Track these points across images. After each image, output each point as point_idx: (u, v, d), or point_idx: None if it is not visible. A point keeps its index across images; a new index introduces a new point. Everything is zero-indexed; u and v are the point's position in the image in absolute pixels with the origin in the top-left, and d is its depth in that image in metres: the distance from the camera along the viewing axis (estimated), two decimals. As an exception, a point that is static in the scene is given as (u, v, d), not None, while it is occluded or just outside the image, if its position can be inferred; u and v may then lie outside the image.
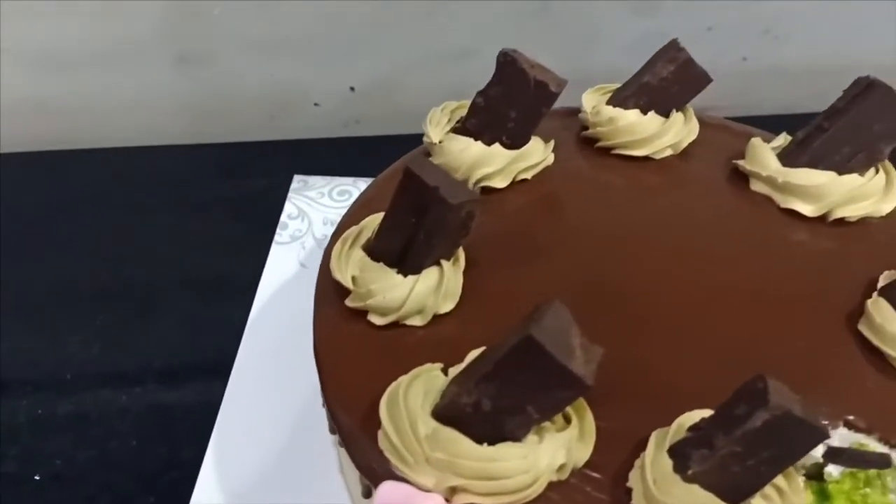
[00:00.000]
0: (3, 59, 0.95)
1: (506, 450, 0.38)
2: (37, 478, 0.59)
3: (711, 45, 1.07)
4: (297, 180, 0.75)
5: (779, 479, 0.37)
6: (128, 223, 0.79)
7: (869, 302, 0.46)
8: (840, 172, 0.52)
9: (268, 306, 0.63)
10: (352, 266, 0.46)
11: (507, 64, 0.51)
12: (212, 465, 0.54)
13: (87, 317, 0.69)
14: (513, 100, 0.52)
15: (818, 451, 0.42)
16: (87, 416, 0.63)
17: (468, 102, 0.54)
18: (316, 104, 1.02)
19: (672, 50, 0.56)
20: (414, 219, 0.44)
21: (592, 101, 0.58)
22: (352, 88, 1.01)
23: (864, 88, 0.52)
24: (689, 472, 0.37)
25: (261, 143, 0.96)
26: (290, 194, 0.73)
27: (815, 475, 0.43)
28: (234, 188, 0.83)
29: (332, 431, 0.45)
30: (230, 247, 0.73)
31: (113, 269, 0.76)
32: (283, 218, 0.70)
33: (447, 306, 0.46)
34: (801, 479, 0.42)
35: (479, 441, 0.38)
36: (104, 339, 0.68)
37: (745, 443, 0.36)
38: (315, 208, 0.71)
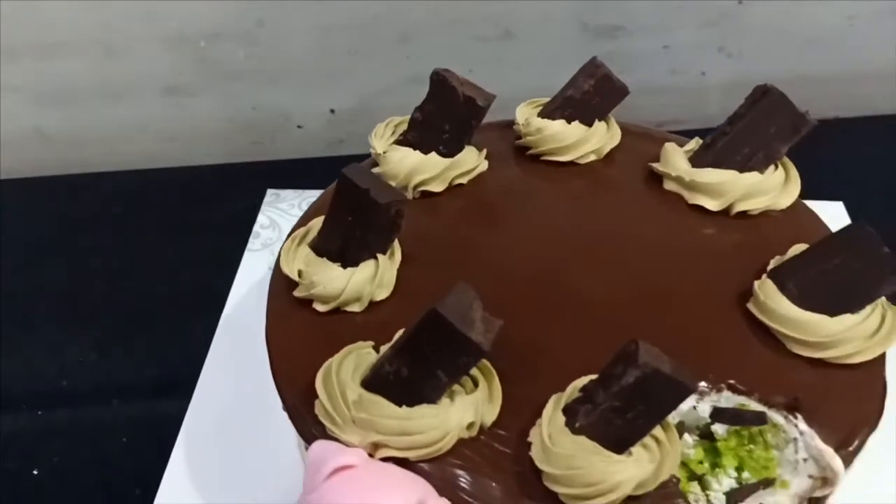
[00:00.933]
0: (12, 95, 1.04)
1: (420, 410, 0.43)
2: (35, 472, 0.65)
3: (670, 62, 1.14)
4: (270, 194, 0.82)
5: (657, 431, 0.43)
6: (124, 241, 0.86)
7: (757, 283, 0.51)
8: (741, 171, 0.58)
9: (239, 307, 0.69)
10: (298, 261, 0.53)
11: (440, 82, 0.58)
12: (182, 460, 0.59)
13: (83, 328, 0.76)
14: (446, 114, 0.58)
15: (706, 412, 0.48)
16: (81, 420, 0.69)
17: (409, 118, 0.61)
18: (299, 126, 1.09)
19: (591, 66, 0.62)
20: (350, 218, 0.51)
21: (525, 114, 0.64)
22: (332, 111, 1.08)
23: (761, 95, 0.58)
24: (577, 425, 0.42)
25: (248, 163, 1.03)
26: (263, 206, 0.80)
27: (706, 435, 0.48)
28: (222, 207, 0.90)
29: (284, 409, 0.51)
30: (216, 259, 0.79)
31: (108, 284, 0.83)
32: (255, 228, 0.77)
33: (382, 294, 0.52)
34: (691, 438, 0.48)
35: (399, 404, 0.44)
36: (100, 349, 0.74)
37: (622, 398, 0.41)
38: (285, 218, 0.78)
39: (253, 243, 0.75)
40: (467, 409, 0.44)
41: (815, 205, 0.65)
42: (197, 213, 0.88)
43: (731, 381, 0.48)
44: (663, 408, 0.42)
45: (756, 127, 0.57)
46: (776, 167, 0.59)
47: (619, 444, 0.42)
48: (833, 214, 0.77)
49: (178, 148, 1.08)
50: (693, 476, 0.47)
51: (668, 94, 1.18)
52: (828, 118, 1.19)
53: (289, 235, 0.56)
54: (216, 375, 0.64)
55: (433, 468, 0.43)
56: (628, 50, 1.10)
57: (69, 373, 0.73)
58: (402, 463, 0.43)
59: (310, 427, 0.46)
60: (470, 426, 0.44)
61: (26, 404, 0.71)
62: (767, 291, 0.50)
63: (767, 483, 0.47)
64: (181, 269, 0.80)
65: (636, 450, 0.42)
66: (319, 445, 0.43)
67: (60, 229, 0.92)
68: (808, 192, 0.62)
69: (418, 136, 0.59)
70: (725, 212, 0.58)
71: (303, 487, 0.43)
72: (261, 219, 0.78)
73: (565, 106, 0.63)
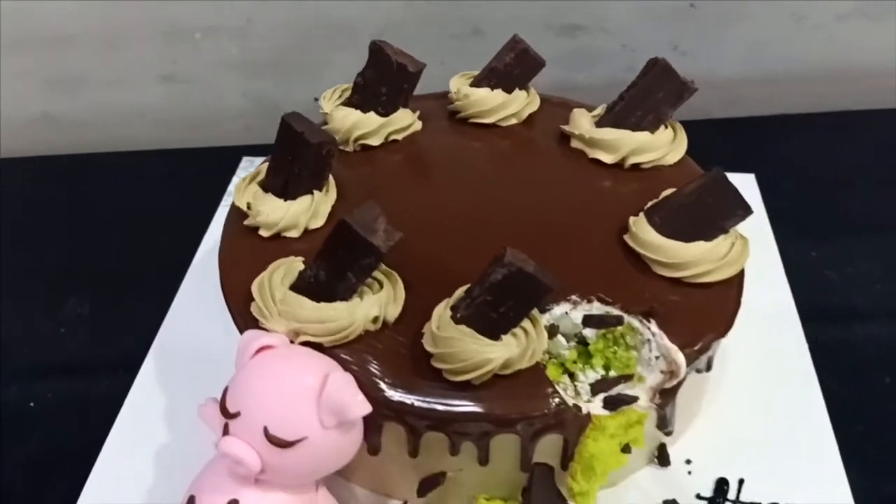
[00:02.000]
0: (23, 80, 1.15)
1: (334, 305, 0.53)
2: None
3: (627, 59, 1.23)
4: (245, 160, 0.92)
5: (526, 324, 0.52)
6: (122, 214, 0.97)
7: (632, 218, 0.61)
8: (633, 130, 0.67)
9: (206, 256, 0.79)
10: (248, 195, 0.62)
11: (377, 51, 0.68)
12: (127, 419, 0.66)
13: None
14: (383, 79, 0.68)
15: (578, 319, 0.57)
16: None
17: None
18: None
19: (512, 42, 0.72)
20: (290, 157, 0.60)
21: (457, 84, 0.74)
22: (315, 99, 1.19)
23: (652, 66, 0.67)
24: (458, 316, 0.51)
25: (239, 147, 1.13)
26: (238, 170, 0.90)
27: (581, 341, 0.57)
28: (214, 184, 0.99)
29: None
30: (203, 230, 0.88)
31: (106, 251, 0.93)
32: (229, 188, 0.87)
33: (317, 223, 0.62)
34: (567, 342, 0.57)
35: (317, 301, 0.53)
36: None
37: (492, 293, 0.50)
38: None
39: (226, 201, 0.85)
40: (373, 305, 0.53)
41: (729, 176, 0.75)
42: (188, 191, 0.95)
43: (601, 294, 0.57)
44: (528, 302, 0.51)
45: (647, 93, 0.67)
46: (666, 128, 0.68)
47: (493, 332, 0.51)
48: (743, 183, 0.86)
49: (173, 132, 1.19)
50: (566, 371, 0.56)
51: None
52: (776, 114, 1.29)
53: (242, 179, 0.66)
54: (182, 316, 0.74)
55: (342, 352, 0.53)
56: (589, 48, 1.19)
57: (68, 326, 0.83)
58: (317, 348, 0.53)
59: (247, 326, 0.55)
60: (375, 320, 0.54)
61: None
62: (639, 224, 0.60)
63: (627, 378, 0.55)
64: (168, 238, 0.89)
65: (506, 337, 0.51)
66: (249, 333, 0.53)
67: (62, 205, 1.03)
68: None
69: (360, 98, 0.69)
70: (620, 165, 0.68)
71: (234, 369, 0.53)
72: (235, 180, 0.88)
73: (490, 76, 0.72)
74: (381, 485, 0.58)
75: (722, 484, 0.59)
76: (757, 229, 0.71)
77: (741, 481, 0.59)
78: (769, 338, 0.69)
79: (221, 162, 0.98)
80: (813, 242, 0.91)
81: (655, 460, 0.60)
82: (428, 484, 0.55)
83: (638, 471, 0.60)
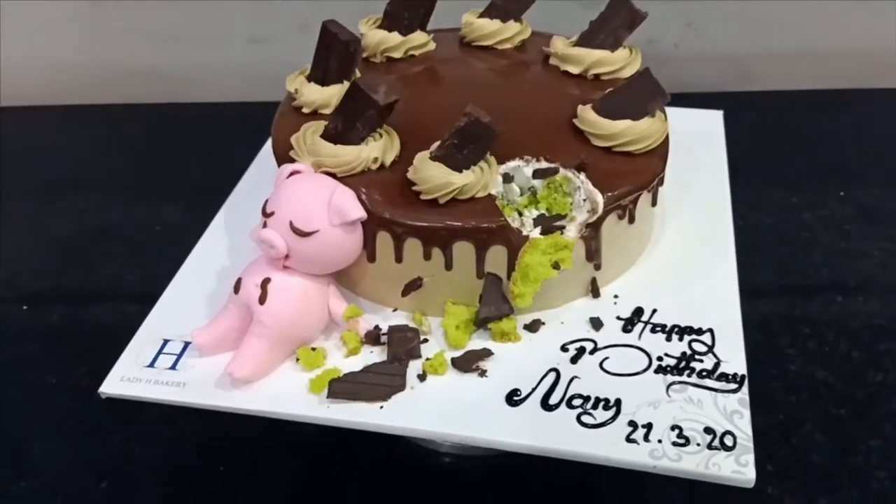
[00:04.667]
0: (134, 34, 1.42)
1: (346, 147, 0.73)
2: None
3: (646, 34, 1.41)
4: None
5: (482, 164, 0.71)
6: (201, 151, 1.23)
7: (580, 106, 0.79)
8: (594, 48, 0.85)
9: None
10: (295, 83, 0.83)
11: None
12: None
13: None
14: (405, 6, 0.89)
15: (529, 172, 0.75)
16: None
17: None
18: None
19: (508, -18, 0.92)
20: (325, 53, 0.81)
21: (467, 17, 0.94)
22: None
23: (615, 2, 0.85)
24: (433, 155, 0.71)
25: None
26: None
27: (533, 193, 0.76)
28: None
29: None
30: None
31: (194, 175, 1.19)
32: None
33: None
34: (519, 190, 0.75)
35: (335, 144, 0.74)
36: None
37: (458, 137, 0.69)
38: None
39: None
40: (374, 149, 0.73)
41: (696, 112, 0.96)
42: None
43: (547, 156, 0.75)
44: (483, 146, 0.70)
45: (608, 20, 0.85)
46: (624, 48, 0.86)
47: (457, 167, 0.70)
48: (711, 117, 1.03)
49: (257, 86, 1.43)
50: (517, 212, 0.75)
51: (648, 61, 1.47)
52: (780, 90, 1.43)
53: (296, 78, 0.87)
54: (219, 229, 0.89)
55: (349, 180, 0.73)
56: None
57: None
58: (332, 176, 0.73)
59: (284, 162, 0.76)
60: (375, 161, 0.74)
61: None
62: (584, 109, 0.78)
63: (562, 217, 0.73)
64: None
65: (466, 171, 0.71)
66: (285, 165, 0.74)
67: (155, 139, 1.31)
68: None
69: (387, 22, 0.90)
70: (585, 77, 0.86)
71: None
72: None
73: (491, 10, 0.92)
74: (377, 294, 0.77)
75: (639, 311, 0.76)
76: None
77: (654, 310, 0.76)
78: (701, 218, 0.86)
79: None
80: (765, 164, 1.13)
81: (590, 293, 0.78)
82: (410, 286, 0.74)
83: (574, 300, 0.77)
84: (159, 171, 1.29)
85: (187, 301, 0.79)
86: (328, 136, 0.74)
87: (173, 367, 0.73)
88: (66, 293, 1.08)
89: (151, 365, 0.73)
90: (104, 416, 0.89)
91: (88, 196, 1.24)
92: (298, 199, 0.70)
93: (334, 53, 0.80)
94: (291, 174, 0.72)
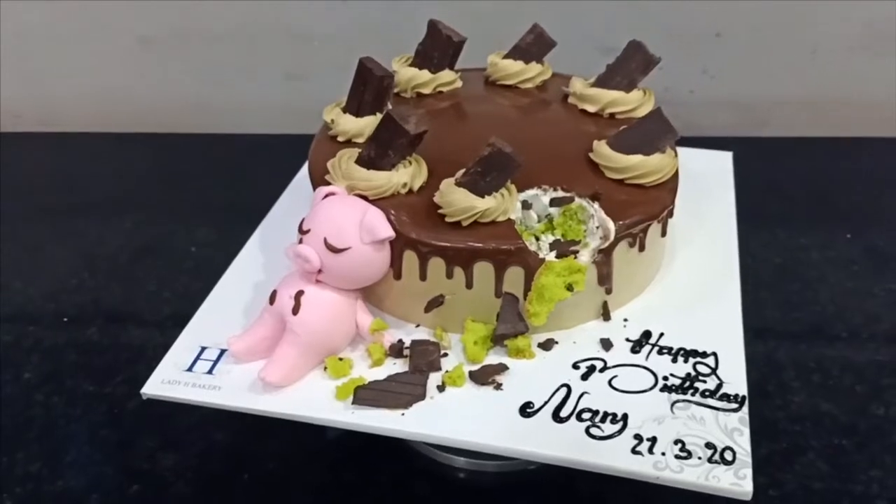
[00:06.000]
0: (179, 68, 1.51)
1: (378, 173, 0.79)
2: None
3: (662, 81, 1.48)
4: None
5: (503, 191, 0.77)
6: (239, 176, 1.31)
7: (595, 141, 0.84)
8: (611, 89, 0.91)
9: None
10: (332, 114, 0.90)
11: (432, 26, 0.95)
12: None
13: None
14: (435, 46, 0.95)
15: (547, 201, 0.80)
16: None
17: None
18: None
19: (532, 28, 0.98)
20: (362, 88, 0.87)
21: (492, 59, 1.01)
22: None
23: (630, 48, 0.92)
24: (458, 182, 0.77)
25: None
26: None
27: (549, 220, 0.81)
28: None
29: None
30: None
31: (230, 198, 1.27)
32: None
33: (377, 134, 0.89)
34: (538, 217, 0.81)
35: (368, 169, 0.79)
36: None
37: (482, 165, 0.75)
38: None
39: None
40: (404, 175, 0.79)
41: (707, 152, 1.03)
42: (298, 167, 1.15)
43: (563, 186, 0.81)
44: (505, 174, 0.76)
45: (623, 63, 0.91)
46: (638, 90, 0.92)
47: (480, 192, 0.76)
48: (721, 157, 1.08)
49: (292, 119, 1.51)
50: (535, 237, 0.80)
51: (664, 106, 1.54)
52: (793, 136, 1.49)
53: (332, 110, 0.94)
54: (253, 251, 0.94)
55: (380, 203, 0.78)
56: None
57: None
58: (364, 199, 0.79)
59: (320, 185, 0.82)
60: (404, 185, 0.79)
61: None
62: (599, 144, 0.84)
63: (575, 242, 0.78)
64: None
65: (488, 197, 0.76)
66: (321, 188, 0.80)
67: (196, 166, 1.39)
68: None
69: (418, 61, 0.97)
70: (601, 115, 0.92)
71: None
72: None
73: (515, 52, 0.99)
74: (401, 310, 0.82)
75: (647, 334, 0.80)
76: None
77: (661, 334, 0.80)
78: (709, 251, 0.91)
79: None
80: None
81: (601, 316, 0.82)
82: (432, 303, 0.79)
83: (586, 322, 0.82)
84: (198, 196, 1.37)
85: (223, 312, 0.85)
86: (362, 162, 0.80)
87: (210, 372, 0.78)
88: (104, 308, 1.14)
89: (190, 369, 0.78)
90: (137, 423, 0.95)
91: (131, 217, 1.32)
92: (333, 218, 0.76)
93: (369, 87, 0.87)
94: (327, 196, 0.78)
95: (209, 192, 1.38)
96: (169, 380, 0.77)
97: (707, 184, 1.00)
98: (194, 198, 1.37)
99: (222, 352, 0.79)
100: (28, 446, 0.93)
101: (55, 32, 1.51)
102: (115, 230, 1.29)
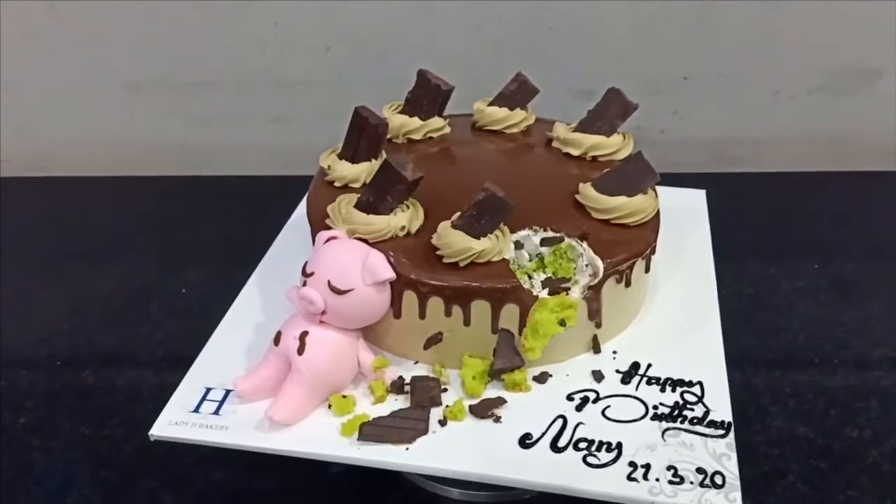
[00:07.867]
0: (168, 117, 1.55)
1: (377, 217, 0.83)
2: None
3: (635, 121, 1.54)
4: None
5: (497, 232, 0.81)
6: (230, 218, 1.34)
7: (581, 184, 0.89)
8: (592, 133, 0.97)
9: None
10: (328, 161, 0.94)
11: (421, 75, 1.00)
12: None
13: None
14: (424, 95, 1.00)
15: (538, 241, 0.85)
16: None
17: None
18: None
19: (516, 76, 1.03)
20: (356, 134, 0.92)
21: (478, 105, 1.06)
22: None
23: (608, 92, 0.97)
24: (454, 224, 0.81)
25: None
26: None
27: (540, 259, 0.85)
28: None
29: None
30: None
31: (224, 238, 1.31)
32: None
33: (372, 179, 0.93)
34: (529, 256, 0.85)
35: (367, 214, 0.83)
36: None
37: (476, 208, 0.79)
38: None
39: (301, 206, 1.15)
40: (402, 219, 0.83)
41: (682, 191, 1.07)
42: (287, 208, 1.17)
43: (553, 227, 0.85)
44: (498, 217, 0.80)
45: (604, 109, 0.97)
46: (618, 134, 0.98)
47: (475, 234, 0.80)
48: (695, 195, 1.14)
49: (280, 161, 1.55)
50: (527, 275, 0.84)
51: (637, 144, 1.59)
52: (760, 171, 1.56)
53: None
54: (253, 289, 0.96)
55: (380, 245, 0.82)
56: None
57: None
58: (365, 242, 0.82)
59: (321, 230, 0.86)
60: (402, 228, 0.83)
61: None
62: (584, 187, 0.89)
63: (566, 280, 0.83)
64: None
65: (484, 238, 0.80)
66: (322, 232, 0.83)
67: (185, 208, 1.43)
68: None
69: (408, 108, 1.02)
70: (584, 158, 0.97)
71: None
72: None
73: (499, 99, 1.04)
74: (400, 347, 0.86)
75: (636, 365, 0.84)
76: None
77: (649, 364, 0.84)
78: (689, 285, 0.96)
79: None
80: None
81: (592, 349, 0.86)
82: (431, 340, 0.82)
83: (577, 356, 0.86)
84: (189, 237, 1.39)
85: (226, 353, 0.87)
86: (361, 206, 0.84)
87: (216, 413, 0.80)
88: (98, 350, 1.15)
89: (196, 410, 0.80)
90: (137, 464, 0.96)
91: (122, 260, 1.34)
92: (336, 261, 0.79)
93: (365, 135, 0.91)
94: (328, 240, 0.82)
95: (199, 233, 1.40)
96: (176, 421, 0.79)
97: (683, 221, 1.05)
98: (185, 239, 1.39)
99: (227, 392, 0.82)
100: (28, 490, 0.94)
101: (45, 78, 1.54)
102: (106, 273, 1.30)
